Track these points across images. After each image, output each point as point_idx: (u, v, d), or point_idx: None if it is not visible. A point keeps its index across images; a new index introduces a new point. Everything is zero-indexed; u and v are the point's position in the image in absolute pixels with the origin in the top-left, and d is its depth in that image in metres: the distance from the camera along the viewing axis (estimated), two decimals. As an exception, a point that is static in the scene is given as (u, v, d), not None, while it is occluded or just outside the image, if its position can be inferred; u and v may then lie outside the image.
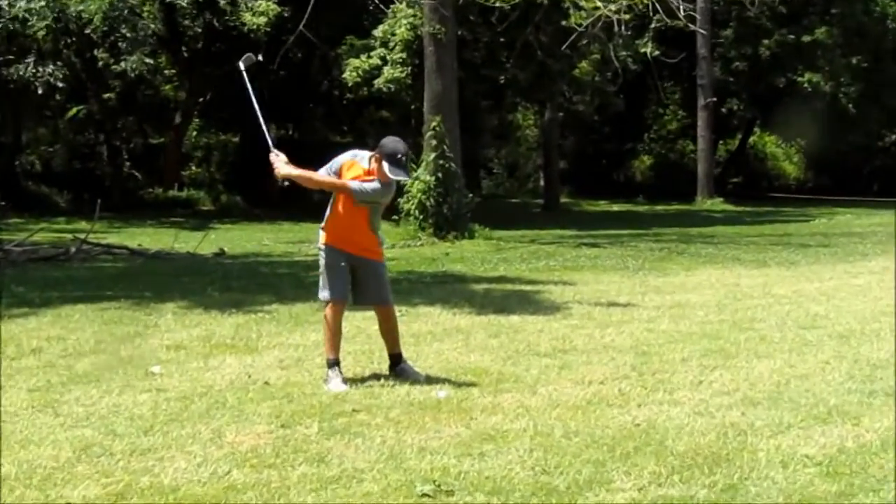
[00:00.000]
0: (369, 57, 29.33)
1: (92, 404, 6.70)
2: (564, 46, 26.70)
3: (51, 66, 28.54)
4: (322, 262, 7.71)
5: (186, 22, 34.05)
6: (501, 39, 29.25)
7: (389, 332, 7.76)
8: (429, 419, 6.31)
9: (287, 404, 6.68)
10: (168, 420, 6.31)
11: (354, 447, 5.73)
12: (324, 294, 7.68)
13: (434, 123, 21.10)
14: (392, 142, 7.46)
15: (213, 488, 5.08)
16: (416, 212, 21.01)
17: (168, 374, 7.65)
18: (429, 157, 21.10)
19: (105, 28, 28.09)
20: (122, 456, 5.58)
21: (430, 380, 7.40)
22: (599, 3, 19.81)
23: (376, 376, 7.59)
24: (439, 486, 5.04)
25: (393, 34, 28.62)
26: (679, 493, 5.00)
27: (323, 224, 7.77)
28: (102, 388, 7.14)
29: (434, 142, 21.08)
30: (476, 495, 4.96)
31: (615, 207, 39.01)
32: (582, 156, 48.98)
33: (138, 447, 5.74)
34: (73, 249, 17.22)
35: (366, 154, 7.63)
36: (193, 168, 42.26)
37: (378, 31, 29.34)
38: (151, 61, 30.14)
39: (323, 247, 7.72)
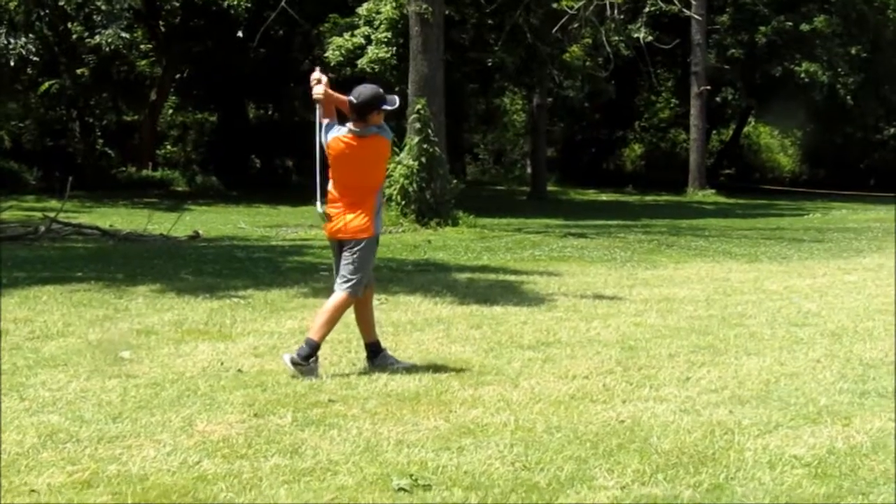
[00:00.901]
0: (353, 35, 29.15)
1: (59, 389, 6.57)
2: (555, 30, 26.58)
3: (23, 39, 28.19)
4: (367, 255, 7.23)
5: (164, -5, 33.89)
6: (490, 21, 29.14)
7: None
8: (407, 411, 6.18)
9: (261, 393, 6.56)
10: (137, 407, 6.17)
11: (329, 439, 5.62)
12: (360, 290, 7.27)
13: (419, 106, 20.91)
14: (366, 88, 7.34)
15: (183, 478, 4.96)
16: (399, 197, 20.86)
17: (138, 359, 7.52)
18: (412, 140, 20.93)
19: (79, 0, 27.77)
20: (90, 443, 5.46)
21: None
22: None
23: (353, 365, 7.44)
24: (416, 480, 4.94)
25: (378, 12, 28.46)
26: (663, 492, 4.89)
27: (370, 212, 7.21)
28: (70, 372, 7.01)
29: (418, 125, 20.90)
30: (454, 490, 4.85)
31: (604, 197, 39.03)
32: (571, 143, 49.08)
33: (106, 434, 5.62)
34: (42, 229, 17.04)
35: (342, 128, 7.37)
36: (168, 147, 42.18)
37: (362, 9, 29.17)
38: (127, 35, 29.67)
39: (369, 239, 7.24)
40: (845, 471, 5.24)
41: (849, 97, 39.43)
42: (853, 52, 39.75)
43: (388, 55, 27.98)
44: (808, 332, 9.15)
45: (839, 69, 39.10)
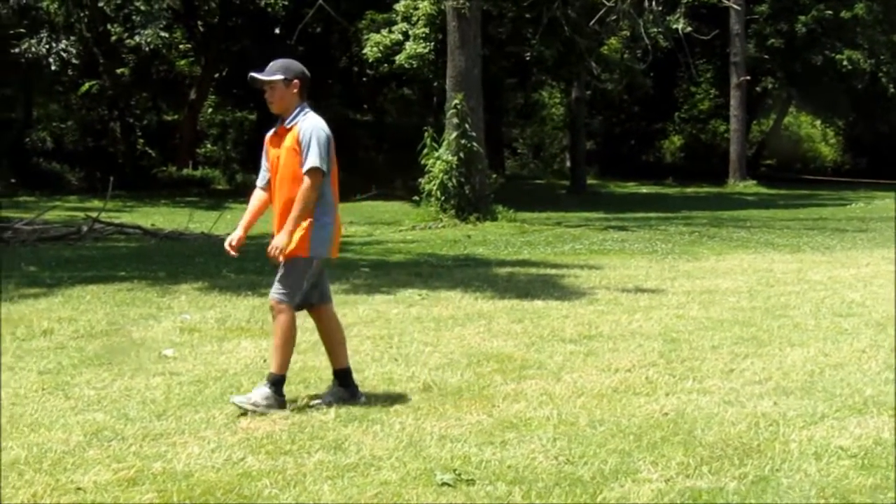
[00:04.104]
0: (390, 32, 29.17)
1: (103, 387, 6.62)
2: (592, 22, 26.44)
3: (63, 42, 28.43)
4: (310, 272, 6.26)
5: (202, -5, 34.08)
6: (527, 15, 29.00)
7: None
8: (449, 406, 6.17)
9: (303, 389, 6.57)
10: (181, 404, 6.21)
11: (372, 434, 5.62)
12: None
13: (456, 101, 20.88)
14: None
15: (227, 475, 4.97)
16: (438, 192, 20.84)
17: (182, 357, 7.56)
18: (451, 136, 20.90)
19: (119, 1, 27.94)
20: (134, 441, 5.49)
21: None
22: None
23: (395, 361, 7.44)
24: (460, 474, 4.93)
25: (415, 8, 28.45)
26: (708, 484, 4.85)
27: (329, 227, 6.24)
28: (114, 370, 7.06)
29: (456, 120, 20.87)
30: (497, 485, 4.83)
31: (644, 189, 38.83)
32: (610, 136, 48.82)
33: (150, 432, 5.65)
34: (84, 228, 17.21)
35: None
36: (208, 146, 42.33)
37: (400, 6, 29.18)
38: (166, 35, 29.93)
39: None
40: (892, 461, 5.17)
41: (891, 85, 38.93)
42: (895, 39, 39.24)
43: (426, 51, 27.98)
44: (852, 323, 9.06)
45: (881, 56, 38.62)
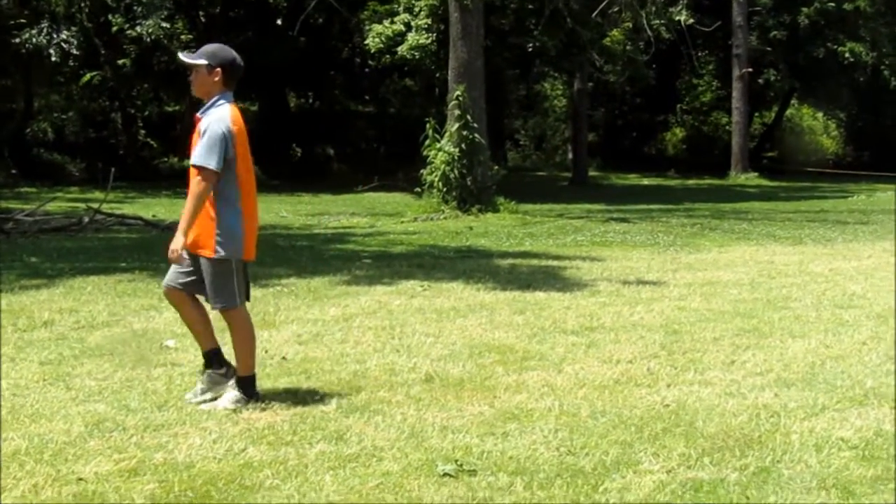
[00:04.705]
0: (392, 23, 29.13)
1: (104, 378, 6.62)
2: (595, 14, 26.44)
3: (65, 32, 28.38)
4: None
5: (204, -15, 34.04)
6: (530, 6, 28.99)
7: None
8: (451, 397, 6.18)
9: (305, 380, 6.58)
10: (183, 395, 6.20)
11: (374, 425, 5.62)
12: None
13: (458, 93, 20.84)
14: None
15: (229, 465, 4.97)
16: (440, 184, 20.79)
17: (183, 348, 7.53)
18: (453, 127, 20.87)
19: (120, -9, 27.92)
20: (136, 431, 5.49)
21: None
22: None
23: (396, 352, 7.44)
24: (461, 465, 4.93)
25: (418, -1, 28.40)
26: (709, 475, 4.86)
27: (233, 227, 5.99)
28: (115, 361, 7.06)
29: (458, 112, 20.83)
30: (499, 475, 4.83)
31: (646, 181, 38.80)
32: (612, 128, 48.79)
33: (152, 423, 5.65)
34: (86, 220, 17.20)
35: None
36: (210, 137, 42.28)
37: (402, -3, 29.13)
38: (168, 26, 29.87)
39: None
40: (893, 453, 5.17)
41: (893, 78, 38.86)
42: (898, 31, 39.23)
43: (429, 42, 27.94)
44: (853, 315, 9.06)
45: (884, 49, 38.55)
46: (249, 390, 6.04)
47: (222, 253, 5.93)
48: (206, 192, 5.84)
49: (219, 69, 5.99)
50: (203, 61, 6.00)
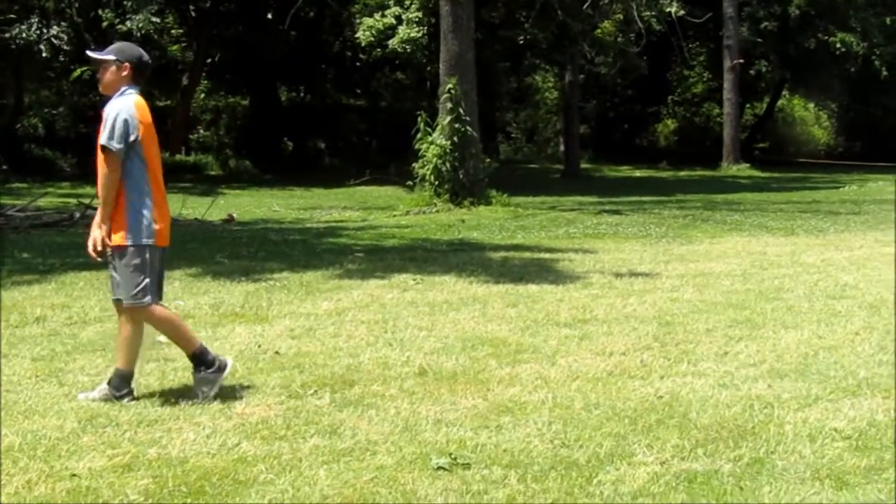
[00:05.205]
0: (383, 16, 29.12)
1: (97, 374, 6.60)
2: (586, 6, 26.44)
3: (55, 27, 28.30)
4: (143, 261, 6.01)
5: (195, -20, 33.97)
6: (520, -2, 28.97)
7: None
8: (444, 391, 6.17)
9: (298, 375, 6.56)
10: (176, 390, 6.19)
11: (368, 419, 5.61)
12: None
13: (450, 86, 20.81)
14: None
15: (223, 460, 4.96)
16: (432, 177, 20.77)
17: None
18: (444, 120, 20.83)
19: (110, -14, 27.85)
20: (129, 427, 5.48)
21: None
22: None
23: (389, 346, 7.44)
24: (455, 458, 4.93)
25: (409, -8, 28.39)
26: (703, 467, 4.86)
27: (144, 213, 5.96)
28: (108, 357, 7.03)
29: (450, 105, 20.79)
30: (493, 468, 4.83)
31: (637, 173, 38.84)
32: (603, 120, 48.84)
33: (145, 418, 5.63)
34: (77, 215, 17.14)
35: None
36: (201, 131, 42.28)
37: (393, -10, 29.11)
38: (158, 20, 29.82)
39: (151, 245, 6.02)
40: (886, 443, 5.18)
41: (884, 68, 38.89)
42: (888, 21, 39.19)
43: (420, 35, 27.93)
44: (846, 305, 9.06)
45: (874, 39, 38.58)
46: (122, 386, 5.96)
47: (134, 240, 5.91)
48: (115, 175, 5.87)
49: (127, 65, 6.07)
50: (111, 57, 6.08)
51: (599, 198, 24.28)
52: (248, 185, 30.35)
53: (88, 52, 6.31)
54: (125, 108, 5.96)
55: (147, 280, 5.95)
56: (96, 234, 5.91)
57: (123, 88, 6.06)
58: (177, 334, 6.14)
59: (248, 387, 6.26)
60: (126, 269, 5.95)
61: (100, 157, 5.90)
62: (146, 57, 6.20)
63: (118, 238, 5.91)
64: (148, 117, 6.09)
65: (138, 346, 6.11)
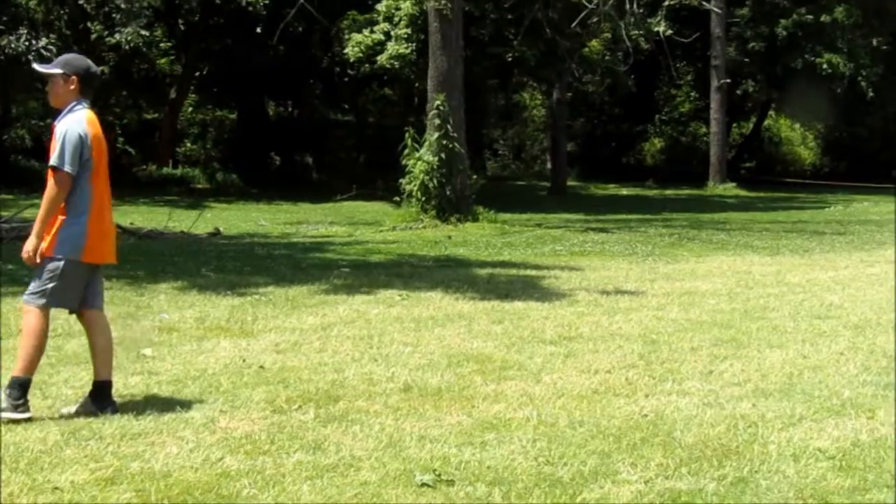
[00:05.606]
0: (372, 32, 29.21)
1: (81, 386, 6.57)
2: (574, 24, 26.48)
3: (43, 39, 28.27)
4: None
5: (183, -7, 33.90)
6: (509, 16, 29.05)
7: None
8: (429, 407, 6.17)
9: (283, 389, 6.55)
10: (160, 403, 6.16)
11: (352, 435, 5.60)
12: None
13: (438, 102, 20.84)
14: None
15: (206, 474, 4.95)
16: (419, 193, 20.76)
17: (160, 356, 7.51)
18: (432, 136, 20.84)
19: (99, -2, 27.85)
20: (112, 440, 5.46)
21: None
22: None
23: (374, 361, 7.42)
24: (439, 475, 4.92)
25: (397, 9, 28.50)
26: (687, 486, 4.86)
27: (78, 227, 5.95)
28: (92, 370, 6.98)
29: (438, 121, 20.81)
30: (477, 485, 4.83)
31: (624, 191, 38.92)
32: (591, 138, 48.92)
33: (129, 431, 5.62)
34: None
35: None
36: (188, 145, 42.27)
37: (382, 6, 29.23)
38: (147, 34, 29.78)
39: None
40: (870, 463, 5.19)
41: (870, 89, 39.08)
42: (874, 43, 39.44)
43: (408, 51, 27.98)
44: (830, 325, 9.09)
45: (860, 60, 38.78)
46: (17, 393, 5.85)
47: (61, 252, 5.88)
48: (62, 195, 5.88)
49: (74, 77, 6.02)
50: (58, 70, 6.04)
51: (586, 215, 24.32)
52: (235, 198, 30.33)
53: (35, 66, 6.28)
54: (77, 125, 5.93)
55: (53, 286, 5.90)
56: (31, 245, 5.85)
57: (73, 103, 6.02)
58: (30, 351, 5.93)
59: (233, 401, 6.24)
60: (44, 272, 5.90)
61: (49, 175, 5.87)
62: (94, 68, 6.17)
63: (48, 249, 5.87)
64: (99, 131, 6.07)
65: (40, 353, 6.02)
